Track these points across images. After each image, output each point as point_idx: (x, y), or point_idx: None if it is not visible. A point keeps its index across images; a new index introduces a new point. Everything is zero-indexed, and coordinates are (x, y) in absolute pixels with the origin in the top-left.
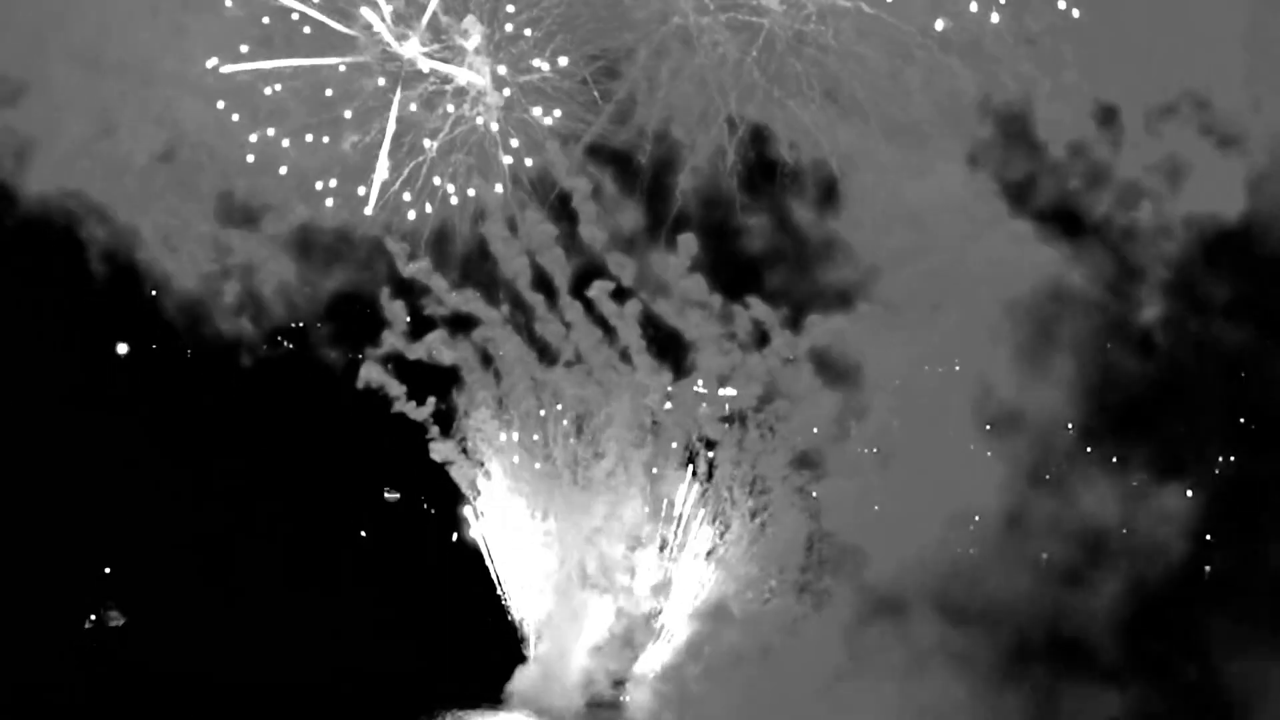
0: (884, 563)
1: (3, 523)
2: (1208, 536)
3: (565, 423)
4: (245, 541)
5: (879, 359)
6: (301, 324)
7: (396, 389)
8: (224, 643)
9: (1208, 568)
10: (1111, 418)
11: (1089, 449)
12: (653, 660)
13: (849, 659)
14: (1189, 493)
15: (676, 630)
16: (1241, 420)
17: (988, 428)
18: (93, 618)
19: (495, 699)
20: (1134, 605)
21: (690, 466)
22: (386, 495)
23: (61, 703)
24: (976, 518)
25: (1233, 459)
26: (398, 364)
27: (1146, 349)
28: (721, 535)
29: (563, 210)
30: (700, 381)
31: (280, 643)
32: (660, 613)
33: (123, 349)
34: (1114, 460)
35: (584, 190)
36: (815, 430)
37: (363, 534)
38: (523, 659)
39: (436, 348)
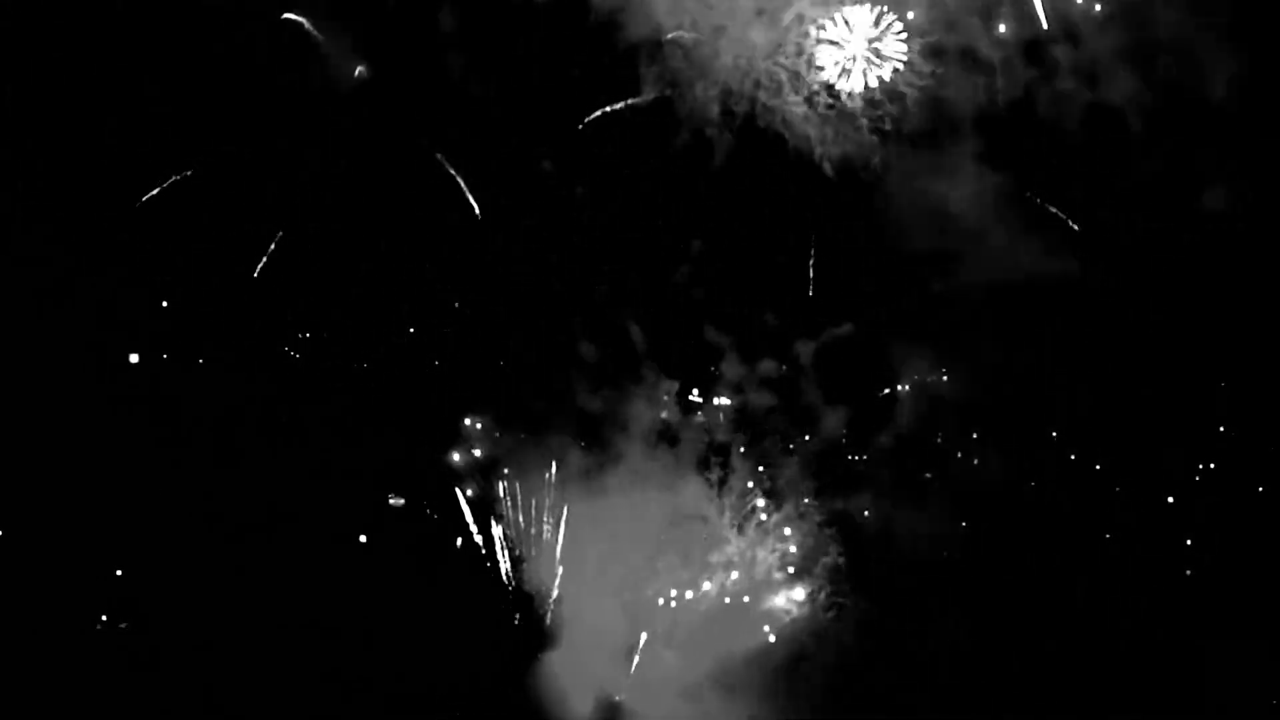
0: (900, 572)
1: (15, 526)
2: (1188, 542)
3: (578, 425)
4: (251, 546)
5: (898, 365)
6: (308, 334)
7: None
8: (229, 646)
9: (1188, 572)
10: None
11: (1072, 456)
12: (665, 667)
13: (865, 668)
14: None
15: (691, 638)
16: (1221, 429)
17: (975, 436)
18: (104, 619)
19: (502, 705)
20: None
21: (706, 474)
22: (391, 501)
23: (70, 705)
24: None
25: (1212, 466)
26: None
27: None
28: (738, 543)
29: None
30: (696, 390)
31: (282, 645)
32: (674, 620)
33: (134, 358)
34: (1097, 467)
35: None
36: (833, 439)
37: (362, 539)
38: (531, 665)
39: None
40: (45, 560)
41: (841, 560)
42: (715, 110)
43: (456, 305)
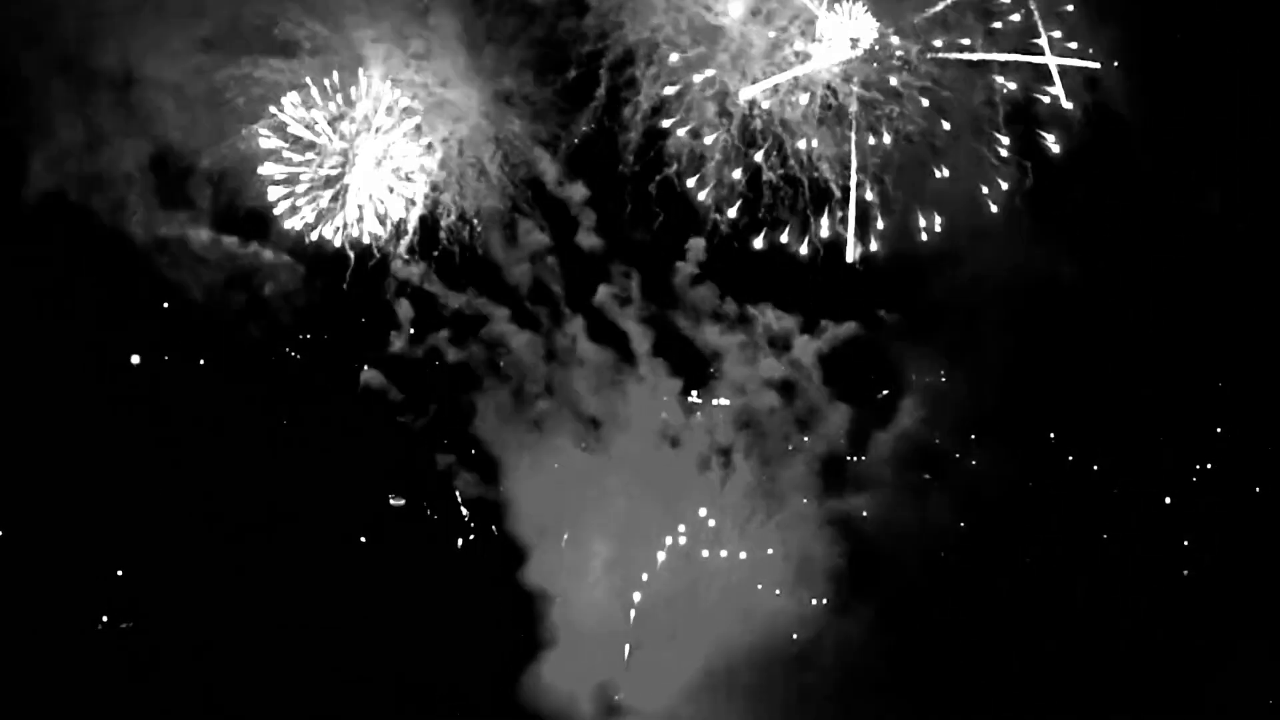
0: (901, 572)
1: (18, 526)
2: (1185, 542)
3: (579, 425)
4: (252, 546)
5: (901, 367)
6: (308, 335)
7: (396, 394)
8: (229, 646)
9: (1185, 572)
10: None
11: (1071, 457)
12: (666, 667)
13: (865, 668)
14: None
15: (692, 637)
16: (1219, 430)
17: (973, 437)
18: (105, 619)
19: (502, 703)
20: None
21: (708, 474)
22: (392, 501)
23: (72, 704)
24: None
25: (1209, 466)
26: (405, 368)
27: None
28: (740, 543)
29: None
30: (694, 392)
31: (283, 645)
32: (675, 619)
33: (136, 359)
34: (1094, 469)
35: (578, 198)
36: (833, 439)
37: (362, 539)
38: (531, 665)
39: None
40: (47, 561)
41: (843, 561)
42: (712, 111)
43: (457, 306)
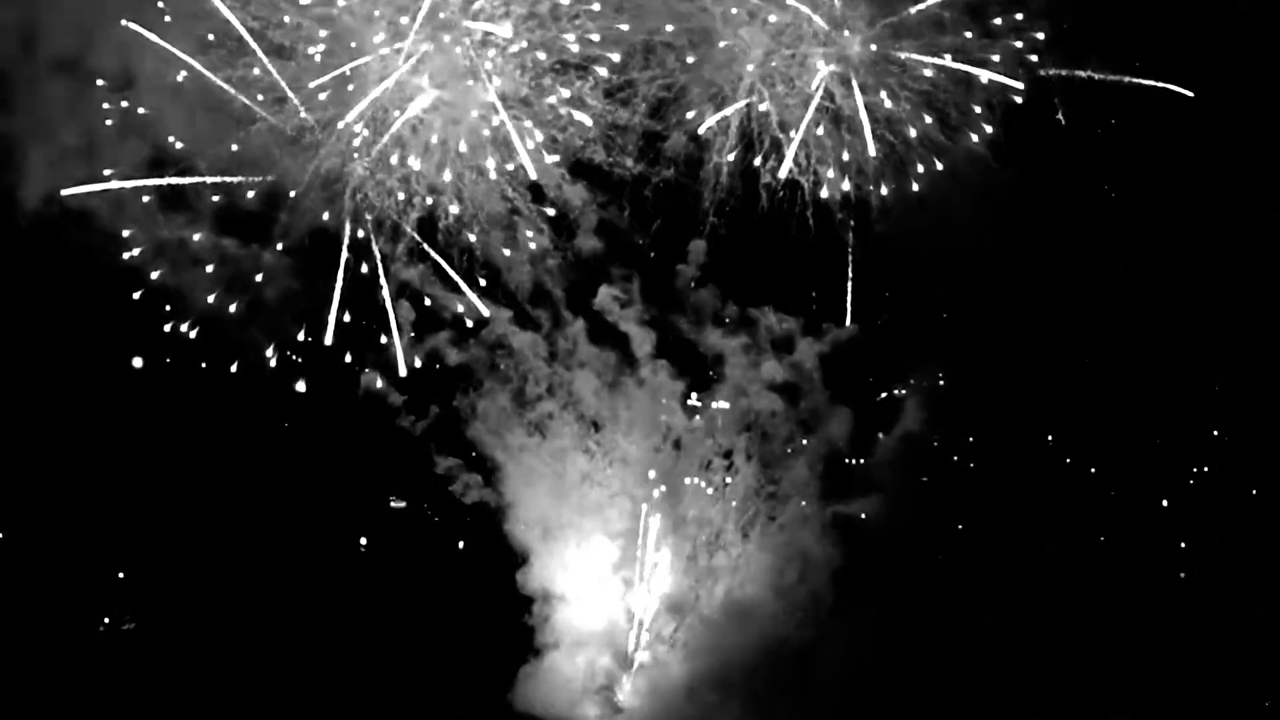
0: (901, 574)
1: (20, 528)
2: (1182, 544)
3: (580, 428)
4: (253, 548)
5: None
6: (310, 338)
7: (397, 398)
8: (230, 647)
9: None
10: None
11: (1068, 459)
12: (666, 668)
13: (867, 669)
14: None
15: (693, 638)
16: (1215, 432)
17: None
18: (106, 621)
19: (503, 705)
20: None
21: (710, 476)
22: (393, 504)
23: (74, 705)
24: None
25: (1205, 469)
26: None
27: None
28: (741, 545)
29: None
30: (698, 394)
31: (284, 646)
32: (676, 620)
33: (138, 362)
34: (1092, 470)
35: (578, 201)
36: (835, 441)
37: (362, 541)
38: (531, 666)
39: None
40: (48, 562)
41: (844, 562)
42: (711, 112)
43: (460, 309)
